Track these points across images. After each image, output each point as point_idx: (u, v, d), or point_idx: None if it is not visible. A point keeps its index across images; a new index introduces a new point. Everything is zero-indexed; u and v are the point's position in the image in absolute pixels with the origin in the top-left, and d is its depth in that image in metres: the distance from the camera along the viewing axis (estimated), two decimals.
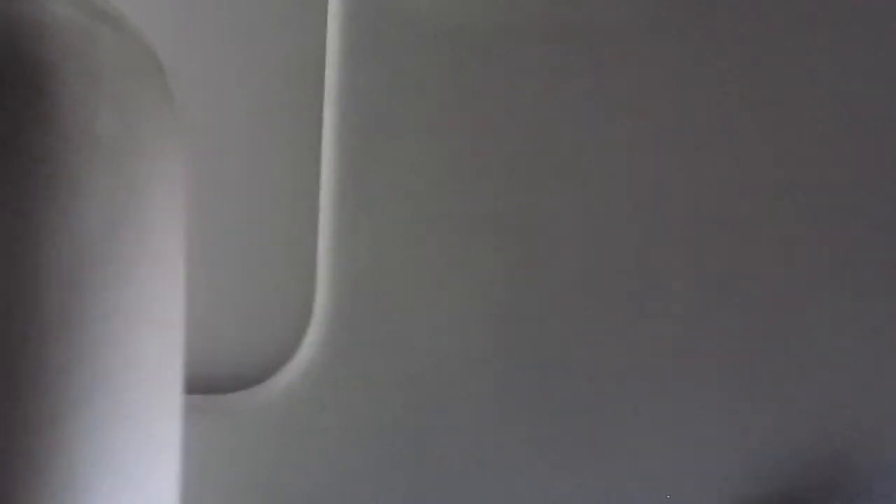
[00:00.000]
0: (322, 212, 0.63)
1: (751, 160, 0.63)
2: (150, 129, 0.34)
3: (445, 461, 0.67)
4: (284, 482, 0.68)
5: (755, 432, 0.66)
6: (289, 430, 0.66)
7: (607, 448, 0.66)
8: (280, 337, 0.66)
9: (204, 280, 0.66)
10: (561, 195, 0.64)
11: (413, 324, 0.64)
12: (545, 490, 0.66)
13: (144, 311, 0.33)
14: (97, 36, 0.32)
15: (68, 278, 0.30)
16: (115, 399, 0.31)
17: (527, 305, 0.64)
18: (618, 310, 0.64)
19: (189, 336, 0.68)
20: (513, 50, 0.62)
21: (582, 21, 0.62)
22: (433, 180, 0.64)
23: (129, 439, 0.32)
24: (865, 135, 0.63)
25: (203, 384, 0.67)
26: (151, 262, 0.34)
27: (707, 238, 0.64)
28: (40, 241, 0.29)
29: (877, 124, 0.63)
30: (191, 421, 0.68)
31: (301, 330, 0.65)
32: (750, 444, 0.66)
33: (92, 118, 0.31)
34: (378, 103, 0.63)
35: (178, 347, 0.36)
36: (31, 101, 0.30)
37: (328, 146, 0.63)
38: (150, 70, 0.35)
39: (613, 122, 0.63)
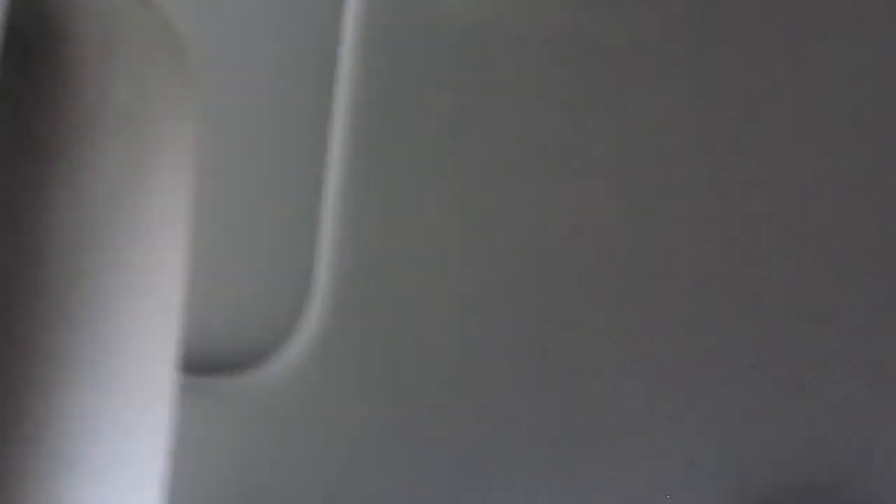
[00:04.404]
0: (328, 198, 0.63)
1: (762, 168, 0.63)
2: (163, 101, 0.34)
3: (439, 457, 0.66)
4: (271, 470, 0.67)
5: (755, 439, 0.66)
6: (277, 419, 0.66)
7: (611, 453, 0.66)
8: (275, 324, 0.65)
9: (202, 261, 0.66)
10: (571, 196, 0.63)
11: (412, 317, 0.64)
12: (542, 489, 0.66)
13: (145, 282, 0.33)
14: (119, 6, 0.32)
15: (72, 244, 0.30)
16: (110, 368, 0.31)
17: (530, 305, 0.64)
18: (621, 314, 0.64)
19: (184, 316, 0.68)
20: (531, 53, 0.62)
21: (601, 28, 0.62)
22: (443, 177, 0.64)
23: (120, 411, 0.32)
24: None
25: (193, 365, 0.67)
26: (155, 233, 0.33)
27: (712, 244, 0.64)
28: (49, 204, 0.29)
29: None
30: (179, 402, 0.68)
31: (296, 318, 0.65)
32: (749, 449, 0.66)
33: (107, 86, 0.31)
34: (393, 92, 0.63)
35: (175, 320, 0.35)
36: (49, 65, 0.29)
37: (339, 130, 0.63)
38: (169, 44, 0.35)
39: (628, 126, 0.63)
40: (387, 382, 0.65)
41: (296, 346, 0.65)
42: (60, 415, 0.31)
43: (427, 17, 0.62)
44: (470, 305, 0.64)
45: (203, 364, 0.67)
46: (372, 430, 0.66)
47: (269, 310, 0.66)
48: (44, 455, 0.30)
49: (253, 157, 0.65)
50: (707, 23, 0.62)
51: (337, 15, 0.63)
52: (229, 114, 0.65)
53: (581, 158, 0.63)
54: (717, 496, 0.67)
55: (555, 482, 0.66)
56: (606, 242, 0.63)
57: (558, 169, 0.63)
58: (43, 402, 0.30)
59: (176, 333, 0.36)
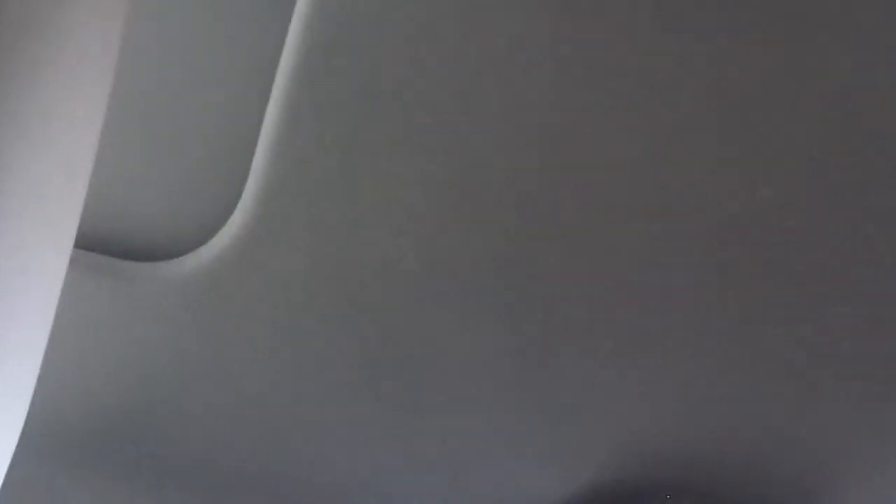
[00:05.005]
0: (273, 101, 0.62)
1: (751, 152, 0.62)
2: None
3: (356, 354, 0.66)
4: (181, 356, 0.67)
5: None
6: (193, 308, 0.65)
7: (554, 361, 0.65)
8: (203, 218, 0.64)
9: (131, 141, 0.64)
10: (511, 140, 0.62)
11: (340, 224, 0.63)
12: (489, 382, 0.65)
13: (51, 132, 0.31)
14: None
15: None
16: (4, 214, 0.30)
17: (451, 219, 0.63)
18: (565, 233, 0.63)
19: (107, 198, 0.66)
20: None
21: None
22: (393, 99, 0.62)
23: (8, 262, 0.31)
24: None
25: (116, 250, 0.65)
26: (69, 86, 0.32)
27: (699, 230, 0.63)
28: None
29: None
30: (101, 284, 0.67)
31: (225, 215, 0.64)
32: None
33: None
34: (351, 17, 0.61)
35: (82, 181, 0.34)
36: None
37: (294, 36, 0.61)
38: None
39: (584, 95, 0.61)
40: (305, 286, 0.65)
41: (219, 241, 0.64)
42: None
43: None
44: (395, 218, 0.63)
45: (126, 249, 0.66)
46: (283, 329, 0.66)
47: (200, 204, 0.64)
48: None
49: (199, 51, 0.63)
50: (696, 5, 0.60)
51: None
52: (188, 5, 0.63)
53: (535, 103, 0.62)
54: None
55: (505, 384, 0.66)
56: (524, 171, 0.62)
57: (507, 121, 0.62)
58: None
59: (82, 193, 0.35)
